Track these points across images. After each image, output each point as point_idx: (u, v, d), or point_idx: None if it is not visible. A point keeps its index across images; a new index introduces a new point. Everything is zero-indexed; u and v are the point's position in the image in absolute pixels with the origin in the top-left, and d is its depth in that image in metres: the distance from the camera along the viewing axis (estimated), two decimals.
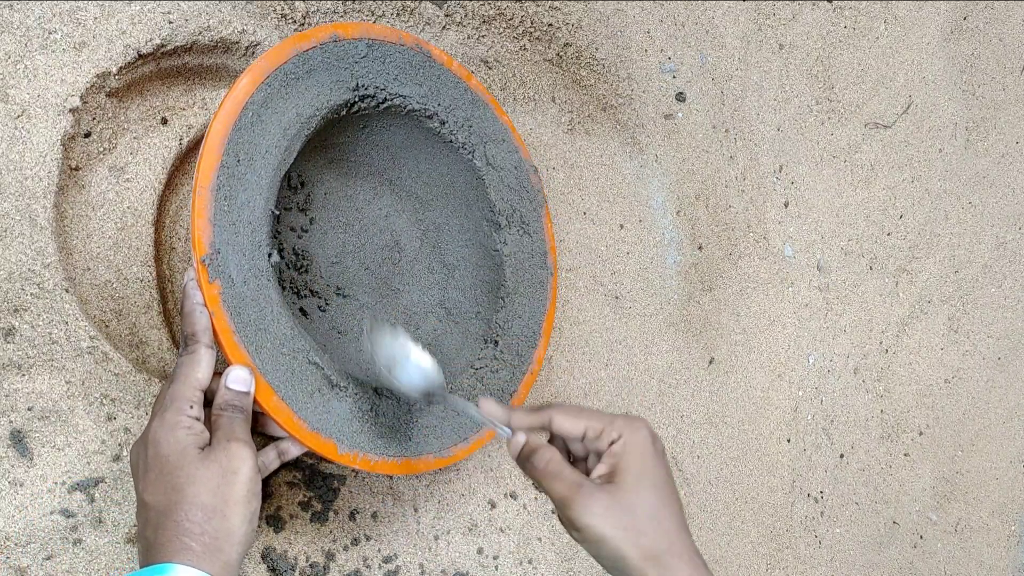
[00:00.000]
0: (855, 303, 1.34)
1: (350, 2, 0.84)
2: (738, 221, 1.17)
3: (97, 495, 0.65)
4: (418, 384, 0.68)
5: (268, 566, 0.74)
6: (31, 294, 0.64)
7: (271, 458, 0.69)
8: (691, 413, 1.10)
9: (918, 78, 1.40)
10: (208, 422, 0.61)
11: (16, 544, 0.62)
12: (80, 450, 0.65)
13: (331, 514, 0.79)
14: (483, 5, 0.91)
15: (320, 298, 0.82)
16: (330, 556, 0.77)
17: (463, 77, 0.81)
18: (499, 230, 0.83)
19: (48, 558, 0.63)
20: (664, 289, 1.10)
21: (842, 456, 1.31)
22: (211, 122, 0.63)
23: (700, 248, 1.13)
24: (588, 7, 0.97)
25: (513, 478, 0.91)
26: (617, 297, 1.05)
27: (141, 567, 0.55)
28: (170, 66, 0.74)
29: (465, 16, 0.91)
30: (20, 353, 0.64)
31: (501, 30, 0.95)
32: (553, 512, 0.92)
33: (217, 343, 0.62)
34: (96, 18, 0.68)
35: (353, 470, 0.81)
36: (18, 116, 0.65)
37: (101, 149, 0.71)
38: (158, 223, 0.74)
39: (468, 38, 0.93)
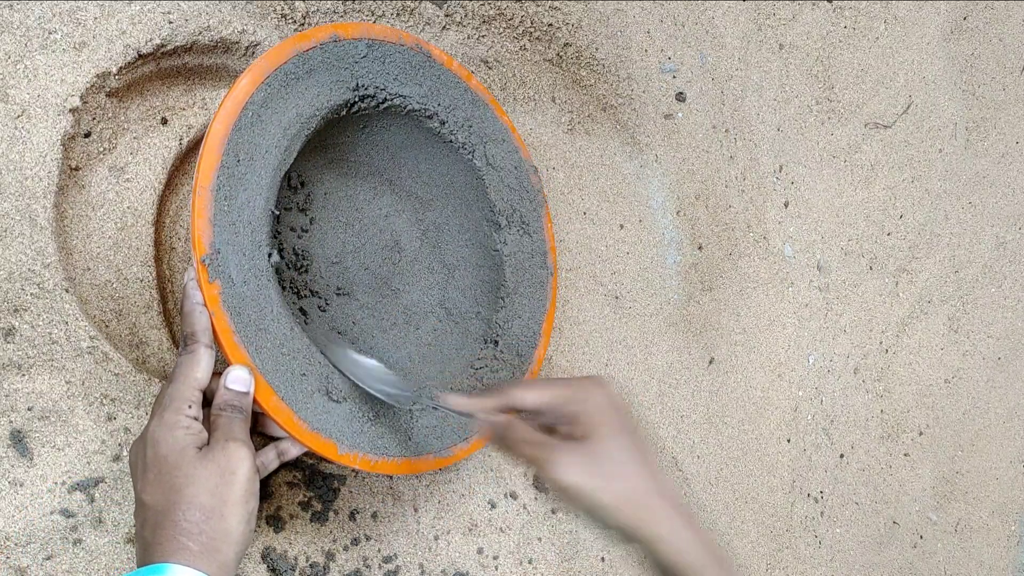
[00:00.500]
0: (855, 303, 1.34)
1: (350, 2, 0.84)
2: (738, 221, 1.17)
3: (97, 495, 0.65)
4: (384, 389, 0.69)
5: (268, 566, 0.74)
6: (31, 294, 0.64)
7: (270, 458, 0.69)
8: (691, 413, 1.10)
9: (918, 78, 1.40)
10: (207, 422, 0.61)
11: (16, 544, 0.62)
12: (80, 450, 0.65)
13: (331, 514, 0.79)
14: (483, 5, 0.91)
15: (320, 298, 0.82)
16: (330, 556, 0.77)
17: (463, 77, 0.81)
18: (499, 230, 0.83)
19: (48, 558, 0.63)
20: (664, 289, 1.10)
21: (842, 456, 1.31)
22: (211, 122, 0.63)
23: (700, 248, 1.13)
24: (588, 7, 0.97)
25: (513, 478, 0.91)
26: (617, 297, 1.05)
27: (139, 567, 0.55)
28: (170, 66, 0.74)
29: (465, 16, 0.91)
30: (20, 353, 0.64)
31: (501, 30, 0.95)
32: (534, 484, 0.92)
33: (217, 343, 0.62)
34: (96, 18, 0.68)
35: (353, 470, 0.81)
36: (18, 116, 0.65)
37: (101, 149, 0.71)
38: (158, 223, 0.74)
39: (468, 38, 0.93)
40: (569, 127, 1.04)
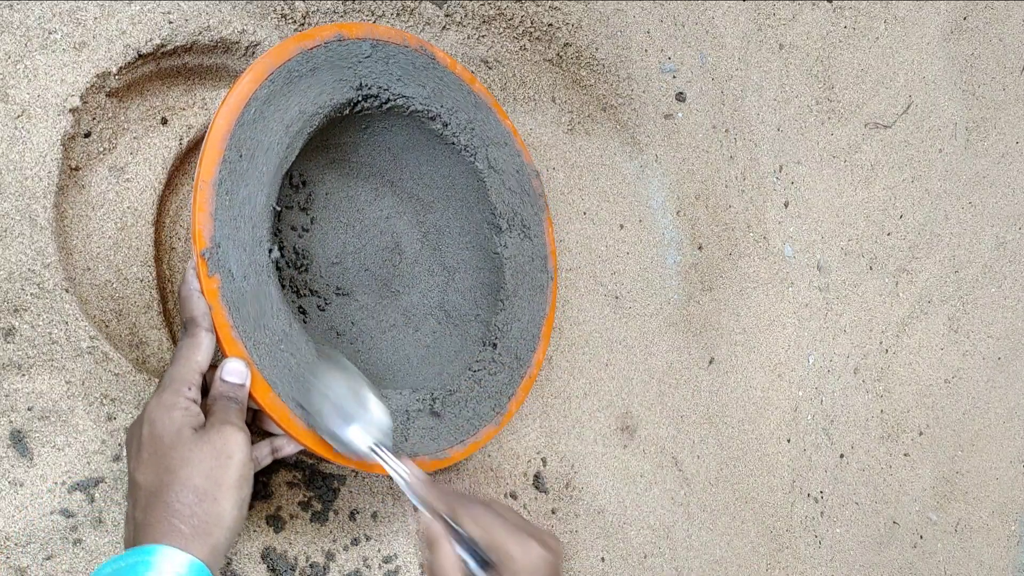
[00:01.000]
0: (855, 303, 1.34)
1: (350, 2, 0.84)
2: (738, 221, 1.17)
3: (97, 495, 0.65)
4: (365, 431, 0.66)
5: (268, 566, 0.74)
6: (31, 294, 0.64)
7: (264, 453, 0.68)
8: (691, 413, 1.10)
9: (918, 78, 1.40)
10: (205, 410, 0.61)
11: (16, 544, 0.62)
12: (80, 450, 0.65)
13: (331, 514, 0.79)
14: (483, 5, 0.91)
15: (319, 297, 0.82)
16: (330, 556, 0.77)
17: (466, 80, 0.81)
18: (500, 233, 0.83)
19: (48, 558, 0.63)
20: (664, 289, 1.10)
21: (842, 456, 1.31)
22: (214, 117, 0.63)
23: (700, 248, 1.13)
24: (588, 7, 0.97)
25: (513, 478, 0.91)
26: (617, 297, 1.05)
27: (128, 547, 0.55)
28: (170, 66, 0.74)
29: (465, 16, 0.91)
30: (20, 353, 0.64)
31: (501, 30, 0.95)
32: None
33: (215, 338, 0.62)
34: (96, 18, 0.68)
35: (353, 470, 0.81)
36: (18, 116, 0.65)
37: (101, 149, 0.71)
38: (158, 223, 0.74)
39: (468, 38, 0.93)
40: (569, 127, 1.04)
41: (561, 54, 0.99)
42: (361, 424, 0.66)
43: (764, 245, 1.21)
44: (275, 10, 0.80)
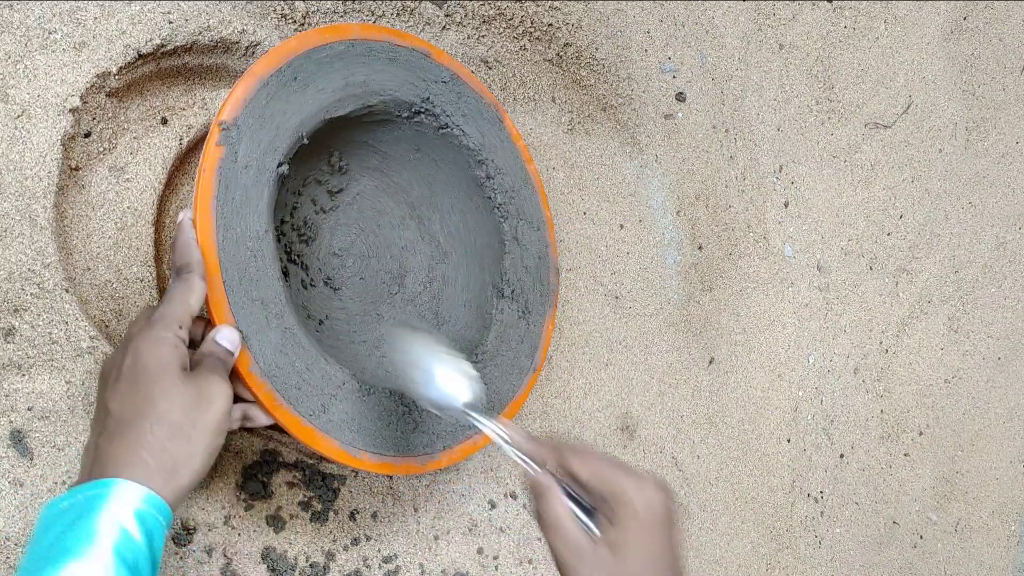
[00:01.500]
0: (855, 303, 1.34)
1: (350, 2, 0.84)
2: (738, 221, 1.17)
3: None
4: (449, 396, 0.65)
5: (268, 566, 0.74)
6: (31, 294, 0.64)
7: (236, 416, 0.65)
8: (691, 413, 1.10)
9: (918, 78, 1.40)
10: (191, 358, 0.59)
11: (16, 544, 0.62)
12: (80, 450, 0.65)
13: (331, 514, 0.79)
14: (483, 5, 0.91)
15: (307, 275, 0.81)
16: (330, 556, 0.77)
17: (524, 156, 0.84)
18: (500, 298, 0.82)
19: None
20: (664, 289, 1.10)
21: (842, 456, 1.31)
22: (290, 39, 0.68)
23: (700, 248, 1.13)
24: (588, 7, 0.97)
25: (513, 478, 0.91)
26: (617, 297, 1.05)
27: (86, 480, 0.52)
28: (170, 66, 0.74)
29: (465, 16, 0.91)
30: (20, 353, 0.64)
31: (501, 30, 0.95)
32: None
33: (194, 206, 0.62)
34: (96, 18, 0.68)
35: (353, 470, 0.81)
36: (18, 116, 0.65)
37: (101, 149, 0.71)
38: (158, 223, 0.74)
39: (468, 38, 0.93)
40: (569, 127, 1.04)
41: (561, 54, 0.99)
42: (450, 386, 0.66)
43: (764, 245, 1.21)
44: (275, 10, 0.80)
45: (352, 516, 0.80)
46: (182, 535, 0.70)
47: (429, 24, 0.90)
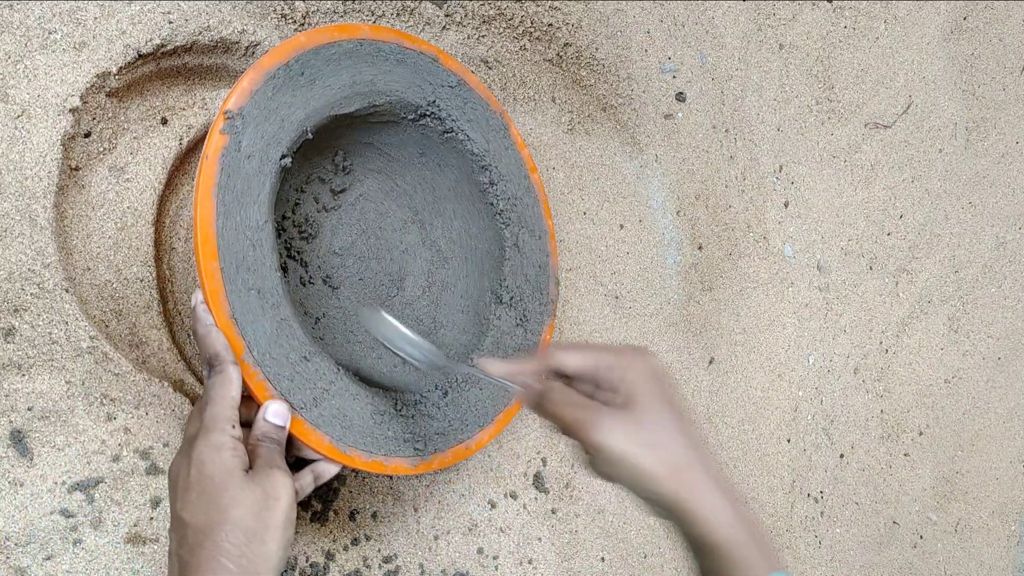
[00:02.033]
0: (855, 303, 1.34)
1: (350, 2, 0.84)
2: (738, 221, 1.17)
3: (97, 495, 0.65)
4: (416, 358, 0.69)
5: None
6: (31, 294, 0.64)
7: (307, 481, 0.69)
8: (691, 413, 1.10)
9: (918, 78, 1.40)
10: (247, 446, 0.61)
11: (16, 544, 0.62)
12: (80, 450, 0.65)
13: (331, 514, 0.79)
14: (483, 5, 0.91)
15: (306, 271, 0.81)
16: (330, 556, 0.77)
17: (528, 166, 0.84)
18: (499, 305, 0.82)
19: (48, 558, 0.63)
20: (664, 289, 1.10)
21: (842, 456, 1.31)
22: (299, 34, 0.69)
23: (700, 248, 1.13)
24: (588, 7, 0.97)
25: (513, 478, 0.91)
26: (617, 297, 1.05)
27: None
28: (170, 66, 0.74)
29: (465, 16, 0.91)
30: (20, 353, 0.64)
31: (501, 30, 0.95)
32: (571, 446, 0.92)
33: (196, 188, 0.62)
34: (96, 18, 0.68)
35: (353, 470, 0.81)
36: (18, 116, 0.65)
37: (101, 149, 0.71)
38: (158, 223, 0.74)
39: (468, 38, 0.93)
40: (569, 127, 1.04)
41: (561, 54, 0.99)
42: (412, 352, 0.69)
43: (764, 245, 1.21)
44: (275, 10, 0.80)
45: (352, 516, 0.80)
46: None
47: (429, 24, 0.90)
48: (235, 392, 0.61)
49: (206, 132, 0.75)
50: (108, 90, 0.70)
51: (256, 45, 0.78)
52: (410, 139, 0.81)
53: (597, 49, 1.00)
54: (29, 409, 0.64)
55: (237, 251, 0.63)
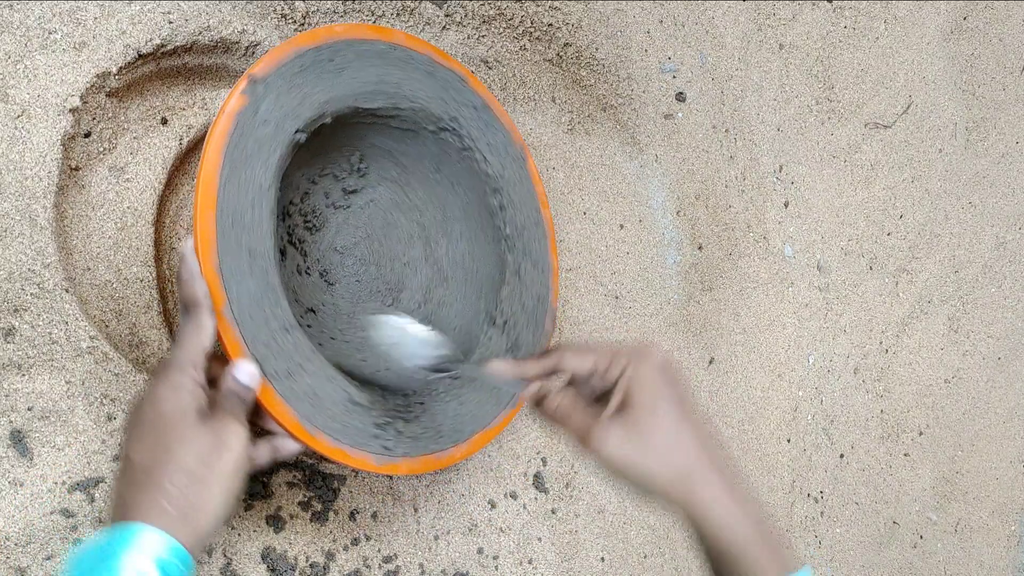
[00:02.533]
0: (855, 303, 1.34)
1: (350, 2, 0.84)
2: (738, 221, 1.17)
3: (97, 495, 0.65)
4: (425, 356, 0.68)
5: (268, 566, 0.74)
6: (31, 294, 0.64)
7: (264, 452, 0.66)
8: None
9: (918, 78, 1.40)
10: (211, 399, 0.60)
11: (16, 544, 0.62)
12: (80, 450, 0.65)
13: (331, 514, 0.79)
14: (483, 5, 0.91)
15: (304, 261, 0.81)
16: (330, 556, 0.77)
17: (541, 201, 0.84)
18: (491, 326, 0.81)
19: (48, 558, 0.63)
20: (664, 289, 1.10)
21: (842, 456, 1.31)
22: (290, 42, 0.68)
23: (700, 248, 1.13)
24: (588, 7, 0.97)
25: (513, 478, 0.91)
26: (617, 297, 1.05)
27: (112, 523, 0.54)
28: (170, 66, 0.74)
29: (465, 16, 0.91)
30: (20, 353, 0.64)
31: (501, 30, 0.95)
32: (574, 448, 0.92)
33: (199, 169, 0.62)
34: (96, 18, 0.68)
35: (353, 470, 0.81)
36: (18, 116, 0.65)
37: (101, 149, 0.71)
38: (158, 223, 0.74)
39: (468, 38, 0.93)
40: (569, 127, 1.04)
41: (561, 54, 0.99)
42: (421, 352, 0.69)
43: (764, 245, 1.21)
44: (275, 10, 0.80)
45: (352, 516, 0.80)
46: None
47: (429, 24, 0.90)
48: (206, 340, 0.59)
49: (206, 132, 0.75)
50: (108, 90, 0.70)
51: (256, 45, 0.78)
52: (428, 152, 0.81)
53: (597, 49, 1.00)
54: (29, 409, 0.64)
55: (236, 207, 0.63)
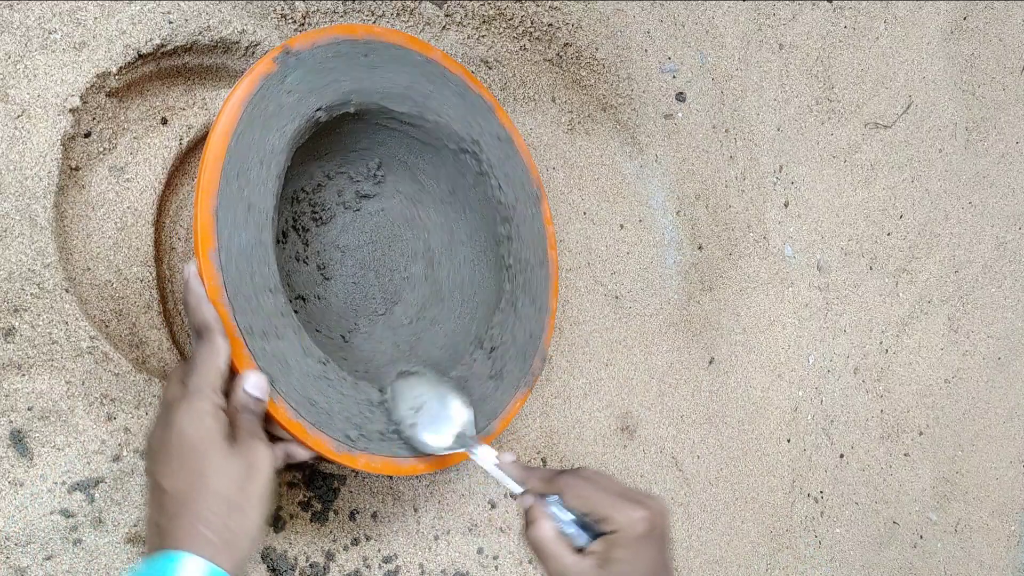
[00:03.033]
0: (855, 303, 1.34)
1: (350, 2, 0.84)
2: (738, 221, 1.17)
3: (97, 495, 0.65)
4: (446, 429, 0.70)
5: (268, 566, 0.74)
6: (31, 294, 0.64)
7: (279, 455, 0.67)
8: (691, 413, 1.10)
9: (918, 78, 1.40)
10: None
11: (16, 544, 0.62)
12: (80, 450, 0.65)
13: (331, 514, 0.79)
14: (483, 5, 0.91)
15: (305, 250, 0.81)
16: (330, 556, 0.77)
17: (550, 242, 0.84)
18: (478, 349, 0.79)
19: (48, 558, 0.63)
20: (664, 289, 1.10)
21: (842, 456, 1.31)
22: (331, 28, 0.69)
23: (700, 248, 1.13)
24: (588, 7, 0.97)
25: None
26: (617, 297, 1.05)
27: (150, 553, 0.54)
28: (170, 66, 0.74)
29: (465, 16, 0.91)
30: (20, 353, 0.64)
31: (501, 30, 0.95)
32: None
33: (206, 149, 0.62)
34: (96, 18, 0.68)
35: (353, 470, 0.81)
36: (18, 116, 0.65)
37: (101, 149, 0.71)
38: (158, 223, 0.74)
39: (468, 38, 0.93)
40: (569, 127, 1.04)
41: (561, 54, 0.99)
42: (442, 424, 0.70)
43: (764, 245, 1.21)
44: (275, 10, 0.80)
45: (352, 516, 0.80)
46: None
47: (429, 24, 0.90)
48: (222, 363, 0.59)
49: (206, 132, 0.75)
50: (108, 90, 0.70)
51: (256, 45, 0.78)
52: (445, 172, 0.81)
53: (597, 49, 1.00)
54: (29, 409, 0.64)
55: (244, 161, 0.63)
